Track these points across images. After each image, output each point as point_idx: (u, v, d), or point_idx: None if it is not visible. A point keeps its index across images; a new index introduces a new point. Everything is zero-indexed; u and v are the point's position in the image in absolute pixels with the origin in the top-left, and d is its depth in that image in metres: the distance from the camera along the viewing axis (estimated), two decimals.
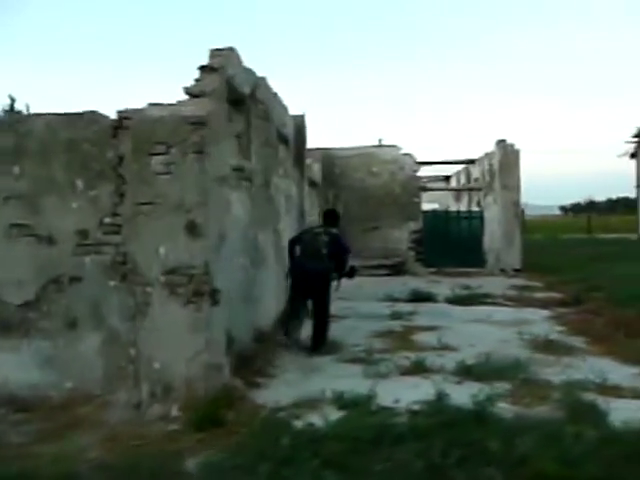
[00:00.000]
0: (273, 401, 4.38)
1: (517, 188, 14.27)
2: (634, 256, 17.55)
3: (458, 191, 16.74)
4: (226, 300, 4.68)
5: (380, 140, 17.81)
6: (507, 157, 14.23)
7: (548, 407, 4.14)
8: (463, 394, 4.34)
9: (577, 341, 6.55)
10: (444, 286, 11.84)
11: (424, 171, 18.07)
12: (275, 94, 8.11)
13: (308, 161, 13.99)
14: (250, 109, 6.37)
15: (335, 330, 7.29)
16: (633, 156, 30.16)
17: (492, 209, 14.40)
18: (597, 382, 4.66)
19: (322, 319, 6.46)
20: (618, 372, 5.17)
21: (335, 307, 9.17)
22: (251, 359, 5.51)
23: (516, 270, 14.25)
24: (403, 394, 4.39)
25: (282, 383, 5.02)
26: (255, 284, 6.34)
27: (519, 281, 12.79)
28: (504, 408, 4.09)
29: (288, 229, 8.92)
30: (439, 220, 14.87)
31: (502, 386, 4.66)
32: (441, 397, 4.20)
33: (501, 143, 14.47)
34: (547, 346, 6.14)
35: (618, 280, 11.50)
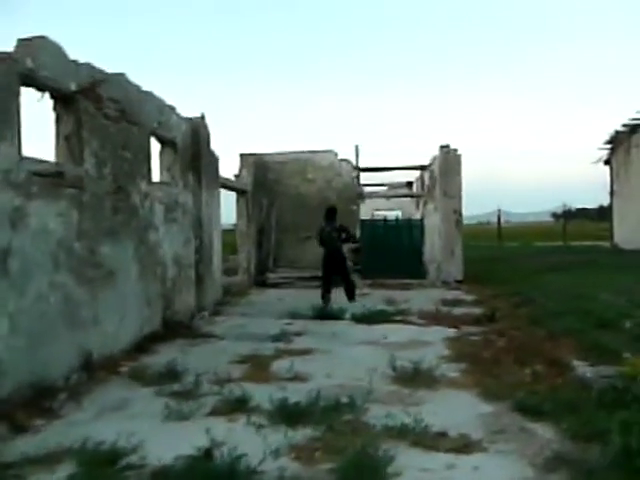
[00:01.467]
0: (20, 453, 3.64)
1: (458, 195, 13.54)
2: (593, 265, 17.00)
3: (399, 197, 15.98)
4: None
5: (357, 147, 17.16)
6: (447, 163, 13.52)
7: (329, 465, 3.40)
8: (253, 444, 3.63)
9: (453, 369, 5.81)
10: (369, 300, 11.14)
11: (381, 178, 17.42)
12: (148, 93, 7.40)
13: (237, 168, 13.30)
14: (81, 107, 5.64)
15: (198, 354, 6.62)
16: (607, 163, 29.56)
17: (433, 217, 13.68)
18: (421, 427, 3.94)
19: (347, 282, 10.54)
20: (464, 412, 4.45)
21: (226, 325, 8.53)
22: (52, 392, 4.77)
23: (458, 281, 13.52)
24: (180, 444, 3.66)
25: (63, 425, 4.27)
26: (84, 305, 5.59)
27: (455, 294, 12.06)
28: (279, 467, 3.36)
29: (176, 239, 8.21)
30: (378, 229, 14.12)
31: (305, 433, 3.92)
32: (209, 452, 3.47)
33: (444, 148, 13.78)
34: (413, 376, 5.40)
35: (557, 293, 10.86)
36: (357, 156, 16.61)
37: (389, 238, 13.87)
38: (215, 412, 4.45)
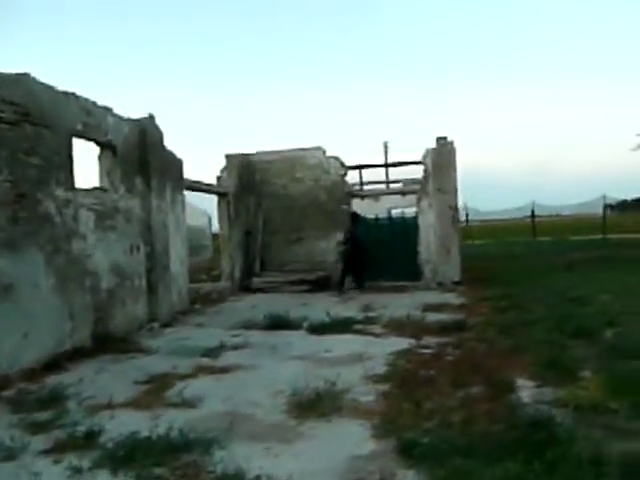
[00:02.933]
0: None
1: (454, 190, 12.58)
2: (616, 262, 15.64)
3: (392, 195, 15.06)
4: None
5: (386, 144, 16.51)
6: (440, 156, 12.58)
7: None
8: None
9: (371, 392, 5.07)
10: (348, 306, 10.42)
11: (398, 174, 16.58)
12: (66, 94, 6.97)
13: (220, 169, 12.81)
14: None
15: (110, 372, 6.15)
16: None
17: (427, 215, 12.75)
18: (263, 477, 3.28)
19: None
20: (336, 454, 3.75)
21: (169, 338, 8.00)
22: None
23: (455, 283, 12.57)
24: None
25: None
26: None
27: (445, 297, 11.16)
28: None
29: (115, 247, 7.78)
30: (370, 228, 13.26)
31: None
32: None
33: (440, 141, 12.85)
34: (314, 402, 4.70)
35: (553, 296, 9.86)
36: (386, 152, 15.92)
37: (382, 238, 13.01)
38: (54, 449, 3.91)
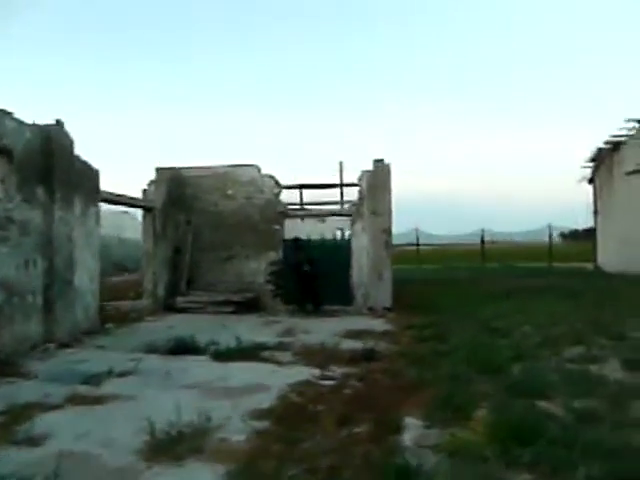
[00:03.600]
0: None
1: (388, 213, 12.40)
2: (551, 291, 15.74)
3: (326, 217, 14.81)
4: None
5: (341, 163, 16.14)
6: (375, 177, 12.41)
7: None
8: None
9: (246, 430, 4.66)
10: (268, 330, 10.01)
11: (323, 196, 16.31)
12: None
13: (148, 182, 12.30)
14: None
15: None
16: (590, 181, 28.26)
17: (361, 238, 12.51)
18: None
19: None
20: None
21: (60, 361, 7.38)
22: None
23: (387, 309, 12.31)
24: None
25: None
26: None
27: (371, 323, 10.87)
28: None
29: (6, 261, 7.18)
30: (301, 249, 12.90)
31: None
32: None
33: (377, 163, 12.68)
34: (175, 442, 4.26)
35: (478, 325, 9.71)
36: (341, 172, 15.60)
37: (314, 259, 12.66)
38: None
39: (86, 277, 9.17)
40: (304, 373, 6.70)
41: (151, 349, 7.88)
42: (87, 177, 9.23)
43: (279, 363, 7.32)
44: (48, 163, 8.06)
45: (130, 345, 8.28)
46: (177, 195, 12.98)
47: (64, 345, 8.13)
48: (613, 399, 5.14)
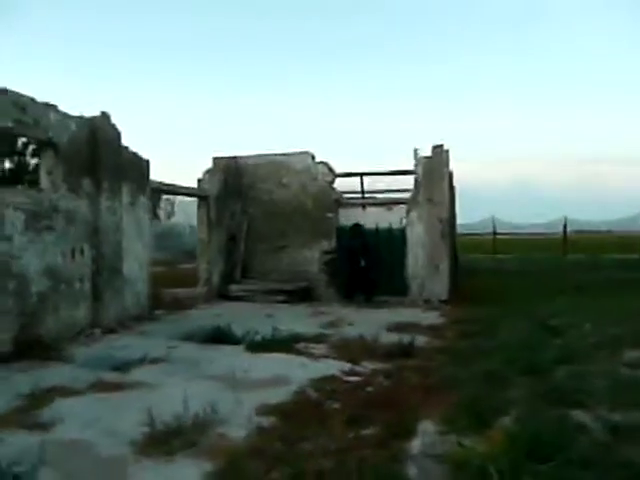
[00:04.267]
0: None
1: (444, 202, 11.82)
2: (632, 285, 14.45)
3: (383, 205, 14.21)
4: None
5: (415, 150, 15.85)
6: (431, 164, 11.84)
7: None
8: None
9: (251, 425, 4.53)
10: (314, 321, 9.86)
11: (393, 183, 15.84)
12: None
13: (203, 172, 12.51)
14: None
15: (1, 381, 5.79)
16: None
17: (416, 227, 12.00)
18: None
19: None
20: None
21: (101, 346, 7.63)
22: None
23: (443, 301, 11.79)
24: None
25: None
26: None
27: (423, 316, 10.43)
28: None
29: (51, 249, 7.53)
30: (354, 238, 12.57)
31: None
32: None
33: (436, 148, 12.12)
34: (172, 436, 4.21)
35: (534, 320, 9.03)
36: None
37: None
38: None
39: (136, 265, 9.43)
40: (333, 367, 6.48)
41: (189, 337, 7.96)
42: (135, 167, 9.45)
43: (311, 356, 7.14)
44: (94, 154, 8.31)
45: (172, 332, 8.41)
46: (233, 184, 13.09)
47: (111, 330, 8.41)
48: None
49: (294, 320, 9.88)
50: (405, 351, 7.07)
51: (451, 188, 21.49)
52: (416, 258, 12.04)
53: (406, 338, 7.79)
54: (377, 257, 12.24)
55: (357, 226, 12.94)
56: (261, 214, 13.18)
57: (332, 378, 6.06)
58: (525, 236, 45.30)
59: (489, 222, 34.87)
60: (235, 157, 13.31)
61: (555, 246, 32.74)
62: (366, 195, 16.06)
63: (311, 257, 12.76)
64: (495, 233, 33.89)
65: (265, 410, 4.92)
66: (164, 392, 5.48)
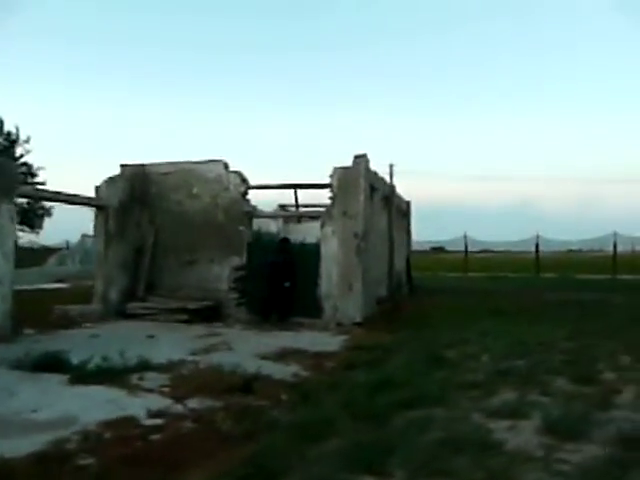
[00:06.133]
0: None
1: (361, 215, 10.86)
2: (580, 308, 13.51)
3: (285, 217, 13.28)
4: None
5: (391, 166, 14.98)
6: (347, 175, 10.91)
7: None
8: None
9: None
10: (191, 344, 8.82)
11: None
12: None
13: (104, 180, 11.58)
14: None
15: None
16: None
17: (331, 242, 11.04)
18: None
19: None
20: None
21: None
22: None
23: (357, 324, 10.78)
24: None
25: None
26: None
27: (327, 341, 9.44)
28: None
29: None
30: (267, 254, 11.57)
31: None
32: None
33: (358, 158, 11.20)
34: None
35: (432, 350, 8.07)
36: (391, 176, 14.36)
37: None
38: None
39: None
40: (144, 406, 5.45)
41: (19, 364, 6.93)
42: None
43: (137, 389, 6.12)
44: None
45: (8, 357, 7.34)
46: (140, 193, 12.13)
47: None
48: None
49: (173, 343, 8.89)
50: (245, 387, 6.06)
51: (407, 205, 20.63)
52: (329, 276, 11.05)
53: (280, 368, 6.80)
54: (301, 275, 11.27)
55: (284, 241, 12.02)
56: (170, 226, 12.18)
57: (128, 421, 5.04)
58: (498, 254, 44.45)
59: (461, 240, 33.99)
60: (144, 165, 12.36)
61: (528, 265, 31.83)
62: (305, 209, 15.15)
63: (221, 273, 11.75)
64: (467, 251, 33.00)
65: None
66: None
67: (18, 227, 32.16)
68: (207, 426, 4.96)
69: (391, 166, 14.58)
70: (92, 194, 11.40)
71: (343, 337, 9.94)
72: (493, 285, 22.45)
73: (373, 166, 11.81)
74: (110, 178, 11.50)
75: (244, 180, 11.89)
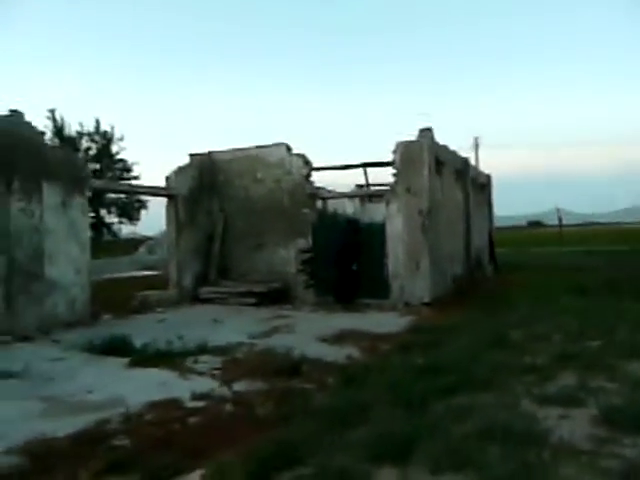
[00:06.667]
0: None
1: (424, 191, 10.41)
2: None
3: (355, 197, 12.84)
4: None
5: (476, 139, 14.72)
6: (410, 151, 10.47)
7: None
8: None
9: None
10: (252, 328, 8.93)
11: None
12: None
13: (174, 170, 12.00)
14: None
15: None
16: None
17: (396, 221, 10.66)
18: None
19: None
20: None
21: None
22: None
23: (426, 304, 10.42)
24: None
25: None
26: None
27: (391, 322, 9.21)
28: None
29: None
30: (333, 235, 11.35)
31: None
32: None
33: (423, 132, 10.76)
34: None
35: (493, 330, 7.59)
36: (476, 149, 14.07)
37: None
38: None
39: (70, 269, 9.01)
40: (192, 388, 5.58)
41: (91, 347, 7.37)
42: (68, 167, 9.01)
43: (190, 372, 6.29)
44: (5, 155, 7.92)
45: (82, 341, 7.82)
46: (209, 181, 12.44)
47: (25, 338, 8.01)
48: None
49: (237, 326, 9.08)
50: (292, 370, 6.02)
51: (487, 178, 19.55)
52: (396, 256, 10.74)
53: (336, 351, 6.75)
54: (368, 255, 11.09)
55: (353, 222, 11.86)
56: (238, 212, 12.40)
57: (172, 403, 5.18)
58: (596, 227, 41.29)
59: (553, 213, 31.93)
60: (210, 152, 12.62)
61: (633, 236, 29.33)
62: (376, 187, 14.82)
63: (287, 256, 11.81)
64: (561, 225, 30.96)
65: (32, 446, 4.14)
66: None
67: (118, 220, 34.50)
68: (245, 410, 4.99)
69: (476, 138, 13.91)
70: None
71: (410, 318, 9.66)
72: (587, 260, 20.90)
73: (458, 142, 11.32)
74: (179, 167, 11.90)
75: (307, 162, 11.81)
